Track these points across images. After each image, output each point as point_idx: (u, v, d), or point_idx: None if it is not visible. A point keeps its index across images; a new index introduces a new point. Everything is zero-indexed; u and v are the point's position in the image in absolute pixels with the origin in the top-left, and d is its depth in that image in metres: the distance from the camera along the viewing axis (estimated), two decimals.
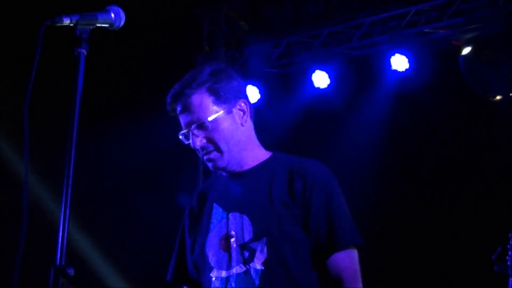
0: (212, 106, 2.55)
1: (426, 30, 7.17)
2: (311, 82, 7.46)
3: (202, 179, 8.38)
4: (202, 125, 2.53)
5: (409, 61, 7.07)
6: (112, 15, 2.11)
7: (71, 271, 1.84)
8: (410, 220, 7.42)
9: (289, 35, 7.81)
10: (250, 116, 2.67)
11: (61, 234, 1.86)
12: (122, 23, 2.14)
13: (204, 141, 2.54)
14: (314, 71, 7.49)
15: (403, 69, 7.10)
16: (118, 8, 2.13)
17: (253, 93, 7.98)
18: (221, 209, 2.57)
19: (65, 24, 2.03)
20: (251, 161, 2.60)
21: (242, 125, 2.61)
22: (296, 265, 2.43)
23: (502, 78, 6.75)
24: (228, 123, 2.57)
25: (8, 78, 6.84)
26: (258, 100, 7.98)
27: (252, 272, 2.42)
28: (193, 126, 2.53)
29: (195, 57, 8.37)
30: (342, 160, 7.47)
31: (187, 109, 2.55)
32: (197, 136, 2.53)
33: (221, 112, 2.56)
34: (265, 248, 2.42)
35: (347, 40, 7.59)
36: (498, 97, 6.88)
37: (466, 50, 6.84)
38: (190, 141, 2.54)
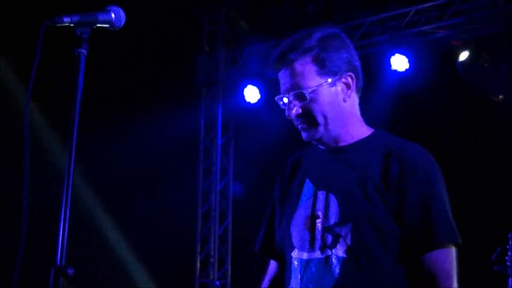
0: (315, 76, 2.35)
1: (426, 30, 7.17)
2: None
3: (202, 179, 8.39)
4: (300, 94, 2.35)
5: (409, 61, 7.07)
6: (113, 15, 2.11)
7: (71, 271, 1.84)
8: None
9: (289, 35, 7.80)
10: (356, 91, 2.43)
11: (61, 234, 1.86)
12: (123, 23, 2.13)
13: (300, 111, 2.36)
14: None
15: (403, 69, 7.11)
16: (118, 8, 2.13)
17: (253, 93, 7.98)
18: (311, 185, 2.39)
19: (65, 24, 2.03)
20: (349, 138, 2.39)
21: (344, 100, 2.38)
22: (382, 257, 2.24)
23: (503, 78, 6.76)
24: (329, 96, 2.36)
25: (8, 78, 6.84)
26: (258, 100, 7.98)
27: (333, 259, 2.26)
28: (291, 94, 2.36)
29: (195, 57, 8.38)
30: None
31: (288, 74, 2.37)
32: (294, 105, 2.36)
33: (324, 83, 2.34)
34: (350, 235, 2.24)
35: None
36: (500, 97, 6.89)
37: (464, 56, 6.84)
38: (286, 110, 2.38)
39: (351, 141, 2.40)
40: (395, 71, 7.16)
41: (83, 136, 1.99)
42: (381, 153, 2.34)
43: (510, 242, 4.91)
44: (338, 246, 2.26)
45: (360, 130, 2.43)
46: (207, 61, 8.34)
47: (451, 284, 2.24)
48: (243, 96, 8.03)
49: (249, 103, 8.02)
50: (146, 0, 7.49)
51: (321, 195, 2.34)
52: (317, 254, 2.29)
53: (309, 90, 2.35)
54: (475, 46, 6.85)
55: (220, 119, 8.44)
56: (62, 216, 1.88)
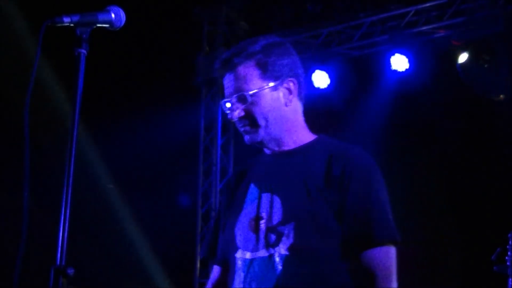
0: (258, 79, 2.46)
1: (426, 30, 7.17)
2: (311, 82, 7.47)
3: (202, 179, 8.39)
4: (243, 97, 2.44)
5: (409, 61, 7.07)
6: (113, 15, 2.11)
7: (71, 271, 1.84)
8: (409, 220, 7.41)
9: (289, 35, 7.81)
10: (299, 98, 2.54)
11: (61, 234, 1.86)
12: (123, 23, 2.14)
13: (243, 113, 2.44)
14: (314, 71, 7.49)
15: (403, 69, 7.11)
16: (118, 8, 2.13)
17: None
18: (256, 189, 2.47)
19: (66, 24, 2.03)
20: (292, 143, 2.48)
21: (286, 104, 2.48)
22: (323, 254, 2.31)
23: (503, 78, 6.76)
24: (271, 100, 2.45)
25: (8, 78, 6.84)
26: None
27: (276, 257, 2.32)
28: (234, 96, 2.45)
29: (195, 57, 8.38)
30: None
31: (232, 78, 2.47)
32: (237, 107, 2.45)
33: (266, 87, 2.45)
34: (292, 233, 2.31)
35: (347, 40, 7.60)
36: (501, 96, 6.89)
37: (463, 58, 6.84)
38: (230, 114, 2.46)
39: (294, 146, 2.49)
40: (395, 71, 7.16)
41: (83, 136, 1.99)
42: (324, 156, 2.42)
43: (510, 242, 4.91)
44: (281, 245, 2.33)
45: (303, 136, 2.52)
46: (207, 61, 8.34)
47: (390, 282, 2.32)
48: None
49: None
50: (146, 0, 7.49)
51: (265, 197, 2.42)
52: (261, 253, 2.36)
53: (251, 93, 2.44)
54: (474, 48, 6.85)
55: (220, 119, 8.44)
56: (62, 216, 1.88)
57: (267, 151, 2.53)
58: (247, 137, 2.47)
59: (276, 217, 2.36)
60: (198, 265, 8.24)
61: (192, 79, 8.39)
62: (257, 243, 2.37)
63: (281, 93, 2.48)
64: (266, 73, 2.47)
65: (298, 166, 2.43)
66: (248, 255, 2.39)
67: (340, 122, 7.80)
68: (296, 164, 2.44)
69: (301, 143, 2.49)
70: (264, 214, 2.40)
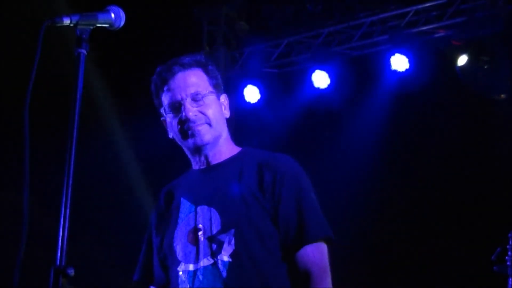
0: (208, 84, 2.59)
1: (426, 30, 7.17)
2: (311, 82, 7.47)
3: None
4: (198, 97, 2.54)
5: (409, 61, 7.07)
6: (112, 15, 2.11)
7: (71, 271, 1.84)
8: (409, 219, 7.41)
9: (289, 35, 7.81)
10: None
11: (61, 234, 1.86)
12: (122, 23, 2.14)
13: (197, 113, 2.53)
14: (314, 71, 7.49)
15: (403, 69, 7.10)
16: (118, 8, 2.13)
17: (253, 93, 7.98)
18: (189, 203, 2.54)
19: (65, 24, 2.03)
20: (222, 155, 2.59)
21: (225, 115, 2.65)
22: (264, 258, 2.41)
23: (503, 78, 6.75)
24: (218, 106, 2.60)
25: (8, 78, 6.84)
26: (258, 100, 7.98)
27: (219, 264, 2.39)
28: (189, 98, 2.53)
29: None
30: (342, 160, 7.47)
31: (186, 78, 2.57)
32: (192, 107, 2.53)
33: (214, 92, 2.60)
34: (233, 240, 2.40)
35: (347, 40, 7.60)
36: (502, 96, 6.89)
37: (462, 60, 6.84)
38: (182, 112, 2.51)
39: (223, 158, 2.58)
40: (395, 71, 7.16)
41: (83, 136, 1.99)
42: (254, 165, 2.53)
43: (510, 242, 4.91)
44: (223, 252, 2.40)
45: (231, 148, 2.63)
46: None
47: (326, 278, 2.43)
48: (243, 96, 8.03)
49: (249, 103, 8.02)
50: (146, 0, 7.49)
51: (200, 209, 2.49)
52: (203, 263, 2.42)
53: (206, 94, 2.55)
54: (473, 50, 6.85)
55: None
56: (62, 216, 1.88)
57: (195, 166, 2.62)
58: (198, 138, 2.53)
59: (215, 227, 2.43)
60: None
61: None
62: (198, 253, 2.44)
63: (223, 102, 2.66)
64: (212, 80, 2.61)
65: (230, 177, 2.51)
66: (191, 266, 2.44)
67: (340, 122, 7.80)
68: (229, 174, 2.53)
69: (229, 155, 2.60)
70: (202, 226, 2.46)
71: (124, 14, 2.13)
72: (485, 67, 6.87)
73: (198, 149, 2.58)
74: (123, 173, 7.83)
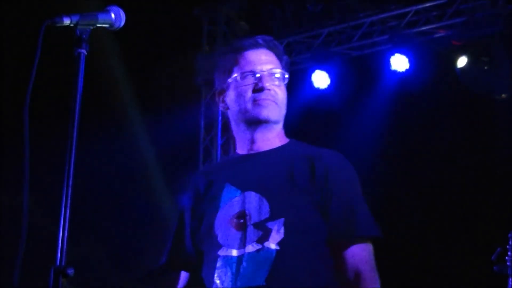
0: (281, 69, 2.60)
1: (426, 30, 7.17)
2: (311, 82, 7.47)
3: None
4: (273, 77, 2.55)
5: (409, 61, 7.07)
6: (112, 15, 2.11)
7: (71, 271, 1.84)
8: (409, 219, 7.42)
9: (289, 35, 7.81)
10: None
11: (61, 234, 1.86)
12: (122, 23, 2.14)
13: (272, 87, 2.53)
14: (314, 71, 7.49)
15: (403, 69, 7.11)
16: (118, 8, 2.13)
17: None
18: (234, 188, 2.49)
19: (65, 24, 2.03)
20: (272, 142, 2.56)
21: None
22: (311, 250, 2.37)
23: (504, 78, 6.75)
24: (285, 93, 2.61)
25: (8, 78, 6.84)
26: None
27: (266, 252, 2.34)
28: (267, 72, 2.53)
29: (195, 57, 8.37)
30: None
31: (270, 55, 2.58)
32: (272, 80, 2.54)
33: (284, 80, 2.61)
34: (282, 228, 2.36)
35: (347, 40, 7.60)
36: (503, 95, 6.89)
37: (462, 62, 6.84)
38: (259, 82, 2.51)
39: (273, 146, 2.56)
40: (395, 71, 7.16)
41: (83, 136, 1.99)
42: (304, 157, 2.50)
43: (510, 242, 4.91)
44: (271, 239, 2.36)
45: (281, 138, 2.60)
46: (207, 61, 8.34)
47: (375, 276, 2.41)
48: None
49: None
50: (146, 0, 7.49)
51: (248, 195, 2.45)
52: (248, 249, 2.36)
53: (279, 76, 2.57)
54: (473, 50, 6.85)
55: (220, 119, 8.43)
56: (62, 216, 1.88)
57: (241, 151, 2.60)
58: (267, 110, 2.52)
59: (263, 214, 2.39)
60: None
61: (192, 79, 8.39)
62: (243, 239, 2.38)
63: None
64: (284, 68, 2.61)
65: (280, 166, 2.48)
66: (234, 252, 2.39)
67: (340, 122, 7.80)
68: (277, 164, 2.49)
69: (279, 144, 2.57)
70: (249, 211, 2.41)
71: (124, 14, 2.13)
72: (485, 67, 6.87)
73: (257, 123, 2.54)
74: (123, 173, 7.83)
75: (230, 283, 2.35)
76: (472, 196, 7.20)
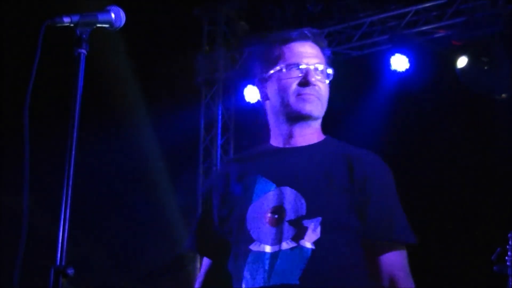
0: (326, 65, 2.53)
1: (426, 30, 7.17)
2: None
3: (202, 179, 8.39)
4: (318, 72, 2.47)
5: (409, 61, 7.07)
6: (112, 15, 2.11)
7: (71, 271, 1.84)
8: (409, 220, 7.41)
9: None
10: None
11: (61, 234, 1.86)
12: (123, 23, 2.13)
13: (317, 83, 2.46)
14: None
15: (403, 69, 7.11)
16: (118, 8, 2.13)
17: (253, 93, 7.98)
18: (268, 182, 2.41)
19: (65, 24, 2.03)
20: (310, 138, 2.49)
21: None
22: (347, 252, 2.32)
23: (504, 78, 6.76)
24: (328, 89, 2.55)
25: (8, 78, 6.84)
26: (258, 100, 7.97)
27: (301, 251, 2.28)
28: (313, 66, 2.46)
29: (195, 57, 8.38)
30: None
31: (311, 49, 2.49)
32: (315, 75, 2.47)
33: (327, 77, 2.54)
34: (319, 228, 2.29)
35: (347, 40, 7.60)
36: (503, 95, 6.89)
37: (462, 62, 6.84)
38: (305, 76, 2.43)
39: (310, 142, 2.49)
40: (395, 71, 7.16)
41: (83, 136, 1.99)
42: (342, 156, 2.43)
43: (510, 242, 4.90)
44: (306, 238, 2.29)
45: (318, 135, 2.54)
46: (207, 61, 8.34)
47: (411, 282, 2.37)
48: (243, 96, 8.03)
49: (249, 103, 8.02)
50: (146, 0, 7.49)
51: (284, 190, 2.38)
52: (283, 246, 2.31)
53: (325, 72, 2.49)
54: (473, 50, 6.85)
55: (220, 119, 8.44)
56: (62, 216, 1.88)
57: (276, 143, 2.51)
58: (310, 106, 2.45)
59: (300, 211, 2.33)
60: (198, 265, 8.24)
61: (192, 79, 8.40)
62: (278, 236, 2.32)
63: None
64: (328, 64, 2.54)
65: (317, 163, 2.42)
66: (268, 248, 2.32)
67: (340, 122, 7.80)
68: (315, 161, 2.42)
69: (316, 141, 2.50)
70: (285, 208, 2.35)
71: (124, 14, 2.13)
72: (485, 67, 6.87)
73: (298, 118, 2.46)
74: (123, 173, 7.83)
75: (262, 280, 2.30)
76: (472, 196, 7.20)
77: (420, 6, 7.15)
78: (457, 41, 6.94)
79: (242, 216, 2.40)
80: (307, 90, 2.44)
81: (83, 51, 2.02)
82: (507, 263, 4.90)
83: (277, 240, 2.32)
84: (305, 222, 2.31)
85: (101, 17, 2.08)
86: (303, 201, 2.34)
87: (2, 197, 6.94)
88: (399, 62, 7.10)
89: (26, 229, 1.88)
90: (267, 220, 2.36)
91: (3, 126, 6.88)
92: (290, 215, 2.33)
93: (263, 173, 2.44)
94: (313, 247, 2.28)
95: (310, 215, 2.31)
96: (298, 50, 2.47)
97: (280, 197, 2.37)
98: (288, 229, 2.32)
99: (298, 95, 2.44)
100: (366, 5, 7.42)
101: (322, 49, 2.52)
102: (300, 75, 2.44)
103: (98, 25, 2.08)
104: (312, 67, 2.44)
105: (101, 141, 7.22)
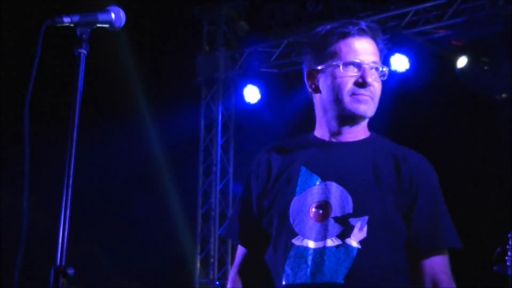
0: (380, 61, 2.43)
1: (426, 30, 7.17)
2: None
3: (202, 179, 8.39)
4: (382, 72, 2.39)
5: (409, 61, 7.07)
6: (113, 15, 2.10)
7: (71, 271, 1.84)
8: None
9: (289, 35, 7.81)
10: None
11: (61, 234, 1.86)
12: (123, 23, 2.13)
13: (372, 83, 2.36)
14: None
15: (403, 69, 7.10)
16: (118, 8, 2.12)
17: (253, 93, 7.98)
18: (313, 175, 2.34)
19: (65, 24, 2.03)
20: (357, 134, 2.42)
21: None
22: (392, 253, 2.27)
23: (504, 78, 6.76)
24: (381, 86, 2.43)
25: (8, 78, 6.84)
26: (258, 100, 7.98)
27: (346, 249, 2.23)
28: (370, 65, 2.36)
29: (195, 57, 8.38)
30: None
31: (368, 45, 2.39)
32: (374, 75, 2.37)
33: (382, 74, 2.43)
34: (366, 227, 2.24)
35: None
36: (503, 95, 6.89)
37: (462, 62, 6.84)
38: (362, 75, 2.33)
39: (357, 138, 2.41)
40: (395, 71, 7.16)
41: (83, 136, 1.99)
42: (389, 155, 2.37)
43: (510, 242, 4.90)
44: (352, 237, 2.24)
45: (365, 131, 2.46)
46: (207, 61, 8.34)
47: (453, 286, 2.32)
48: (243, 96, 8.04)
49: (249, 103, 8.03)
50: (146, 0, 7.49)
51: (330, 185, 2.31)
52: (328, 243, 2.25)
53: (380, 70, 2.39)
54: (473, 50, 6.85)
55: (220, 119, 8.44)
56: (62, 216, 1.88)
57: (321, 135, 2.43)
58: (364, 106, 2.37)
59: (347, 209, 2.27)
60: (198, 265, 8.24)
61: (192, 79, 8.40)
62: (323, 232, 2.26)
63: None
64: (383, 61, 2.44)
65: (364, 161, 2.36)
66: (311, 244, 2.27)
67: None
68: (361, 158, 2.36)
69: (363, 137, 2.44)
70: (330, 203, 2.29)
71: (124, 14, 2.12)
72: (485, 67, 6.87)
73: (349, 118, 2.38)
74: (123, 173, 7.83)
75: (304, 276, 2.25)
76: (472, 196, 7.19)
77: (420, 6, 7.15)
78: (457, 41, 6.94)
79: (285, 208, 2.34)
80: (362, 90, 2.35)
81: (83, 51, 2.01)
82: (507, 263, 4.90)
83: (322, 237, 2.26)
84: (352, 220, 2.25)
85: (101, 17, 2.08)
86: (349, 198, 2.28)
87: (2, 197, 6.93)
88: (399, 62, 7.09)
89: (26, 229, 1.88)
90: (312, 215, 2.30)
91: (3, 126, 6.88)
92: (336, 211, 2.27)
93: (307, 166, 2.38)
94: (359, 247, 2.23)
95: (357, 213, 2.26)
96: (356, 47, 2.36)
97: (326, 192, 2.31)
98: (333, 226, 2.26)
99: (353, 94, 2.35)
100: (366, 5, 7.42)
101: (378, 45, 2.42)
102: (357, 74, 2.35)
103: (98, 25, 2.08)
104: (368, 66, 2.35)
105: (101, 141, 7.22)
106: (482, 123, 7.42)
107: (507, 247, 4.91)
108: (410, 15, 7.19)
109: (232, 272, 2.52)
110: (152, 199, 8.07)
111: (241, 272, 2.50)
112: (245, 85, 8.01)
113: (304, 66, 2.50)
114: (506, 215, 5.96)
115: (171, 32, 8.02)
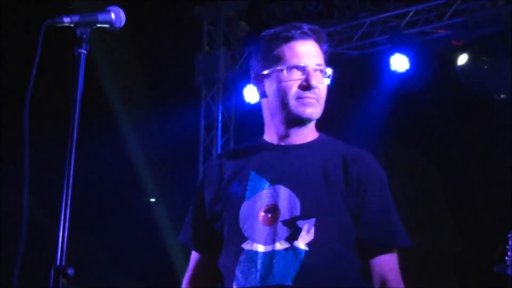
0: (324, 63, 2.44)
1: (426, 30, 7.17)
2: None
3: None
4: (325, 73, 2.41)
5: (409, 61, 7.07)
6: (113, 15, 2.10)
7: (71, 271, 1.84)
8: (409, 220, 7.41)
9: None
10: None
11: (61, 234, 1.86)
12: (123, 23, 2.13)
13: (317, 85, 2.38)
14: None
15: (403, 69, 7.11)
16: (118, 8, 2.12)
17: (253, 93, 7.99)
18: (262, 179, 2.37)
19: (66, 24, 2.03)
20: (306, 137, 2.43)
21: None
22: (341, 253, 2.29)
23: (504, 78, 6.76)
24: (326, 87, 2.46)
25: (8, 78, 6.84)
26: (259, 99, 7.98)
27: (295, 252, 2.25)
28: (313, 67, 2.37)
29: (195, 57, 8.38)
30: None
31: (312, 48, 2.40)
32: (318, 77, 2.38)
33: (326, 75, 2.45)
34: (313, 229, 2.25)
35: (347, 40, 7.60)
36: (503, 96, 6.89)
37: (462, 60, 6.84)
38: (306, 79, 2.35)
39: (306, 140, 2.43)
40: (395, 71, 7.16)
41: (83, 136, 1.99)
42: (337, 156, 2.39)
43: (510, 242, 4.91)
44: (300, 239, 2.26)
45: (313, 132, 2.48)
46: (207, 61, 8.34)
47: (402, 285, 2.36)
48: (243, 96, 8.03)
49: (249, 103, 8.02)
50: (146, 0, 7.49)
51: (277, 188, 2.33)
52: (276, 247, 2.27)
53: (324, 71, 2.41)
54: (473, 50, 6.85)
55: (220, 119, 8.44)
56: (62, 216, 1.88)
57: (270, 139, 2.46)
58: (310, 110, 2.38)
59: (294, 211, 2.29)
60: None
61: (192, 79, 8.40)
62: (272, 236, 2.28)
63: None
64: (326, 61, 2.45)
65: (312, 163, 2.37)
66: (260, 247, 2.29)
67: (340, 122, 7.80)
68: (309, 160, 2.37)
69: (311, 139, 2.45)
70: (279, 207, 2.30)
71: (124, 15, 2.12)
72: (485, 67, 6.88)
73: (296, 122, 2.40)
74: (123, 173, 7.83)
75: (254, 280, 2.27)
76: (472, 196, 7.20)
77: (420, 6, 7.15)
78: (457, 41, 6.94)
79: (235, 213, 2.36)
80: (307, 93, 2.37)
81: (83, 51, 2.01)
82: (507, 263, 4.90)
83: (271, 240, 2.28)
84: (299, 223, 2.27)
85: (101, 17, 2.08)
86: (297, 200, 2.30)
87: (2, 196, 6.94)
88: (399, 62, 7.10)
89: (26, 229, 1.88)
90: (261, 219, 2.32)
91: (3, 126, 6.88)
92: (284, 215, 2.29)
93: (256, 170, 2.40)
94: (307, 249, 2.25)
95: (304, 215, 2.28)
96: (299, 50, 2.38)
97: (274, 195, 2.33)
98: (282, 229, 2.28)
99: (298, 98, 2.37)
100: (366, 5, 7.42)
101: (322, 47, 2.43)
102: (301, 77, 2.37)
103: (98, 25, 2.08)
104: (312, 69, 2.37)
105: (101, 141, 7.22)
106: (482, 123, 7.43)
107: (507, 247, 4.92)
108: (410, 15, 7.19)
109: (185, 277, 2.57)
110: (152, 199, 8.07)
111: (193, 277, 2.55)
112: (245, 85, 8.01)
113: (250, 71, 2.53)
114: (506, 215, 5.96)
115: (171, 32, 8.02)
